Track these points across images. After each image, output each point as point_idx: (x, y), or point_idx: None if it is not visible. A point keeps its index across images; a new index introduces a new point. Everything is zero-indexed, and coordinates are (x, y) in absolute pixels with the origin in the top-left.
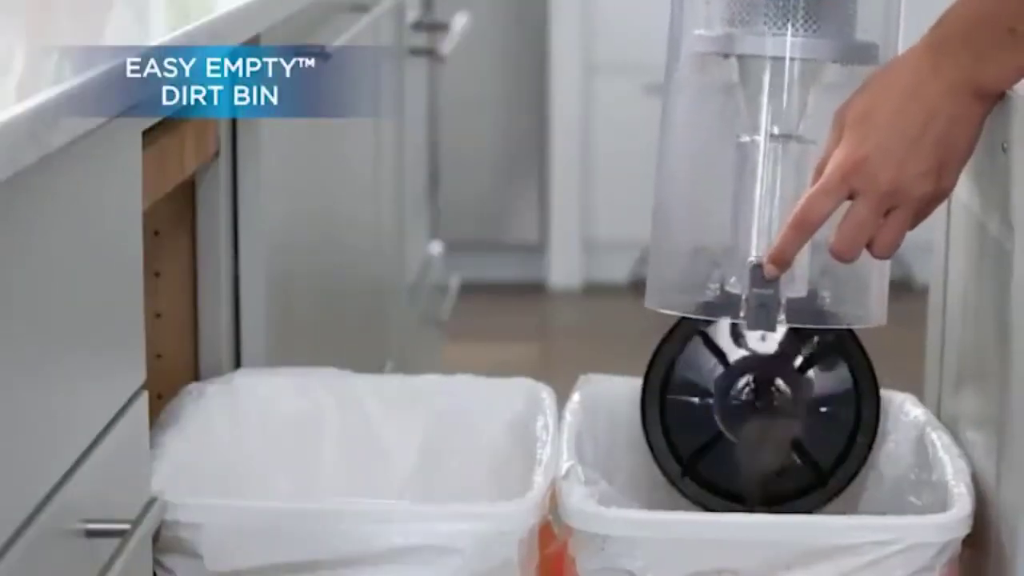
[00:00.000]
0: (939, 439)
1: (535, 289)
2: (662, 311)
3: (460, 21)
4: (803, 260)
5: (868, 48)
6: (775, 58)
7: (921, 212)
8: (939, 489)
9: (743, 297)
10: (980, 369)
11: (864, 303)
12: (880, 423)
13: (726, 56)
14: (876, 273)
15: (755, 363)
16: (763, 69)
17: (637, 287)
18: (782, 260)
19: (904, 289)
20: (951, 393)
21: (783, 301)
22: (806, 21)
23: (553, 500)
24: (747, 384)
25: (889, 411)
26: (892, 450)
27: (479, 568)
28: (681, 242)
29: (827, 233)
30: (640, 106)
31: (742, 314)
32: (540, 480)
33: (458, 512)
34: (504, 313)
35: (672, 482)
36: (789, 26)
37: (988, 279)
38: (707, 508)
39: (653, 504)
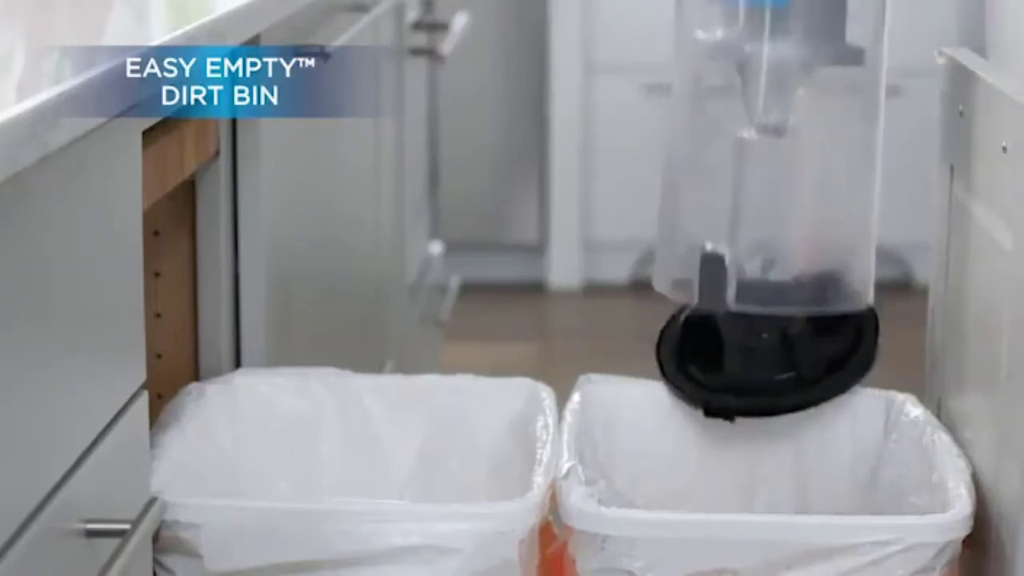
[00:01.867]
0: (939, 439)
1: (535, 289)
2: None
3: (460, 21)
4: (789, 244)
5: (857, 51)
6: (770, 61)
7: None
8: (939, 489)
9: (695, 280)
10: (980, 369)
11: (849, 290)
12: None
13: (724, 59)
14: (862, 257)
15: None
16: (758, 71)
17: (637, 287)
18: None
19: (904, 289)
20: (951, 393)
21: (733, 283)
22: (799, 27)
23: (553, 500)
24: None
25: (889, 411)
26: (892, 450)
27: (479, 568)
28: (681, 233)
29: (806, 221)
30: (640, 106)
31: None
32: (540, 480)
33: (458, 512)
34: (504, 313)
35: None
36: (782, 31)
37: (988, 279)
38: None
39: (653, 504)
